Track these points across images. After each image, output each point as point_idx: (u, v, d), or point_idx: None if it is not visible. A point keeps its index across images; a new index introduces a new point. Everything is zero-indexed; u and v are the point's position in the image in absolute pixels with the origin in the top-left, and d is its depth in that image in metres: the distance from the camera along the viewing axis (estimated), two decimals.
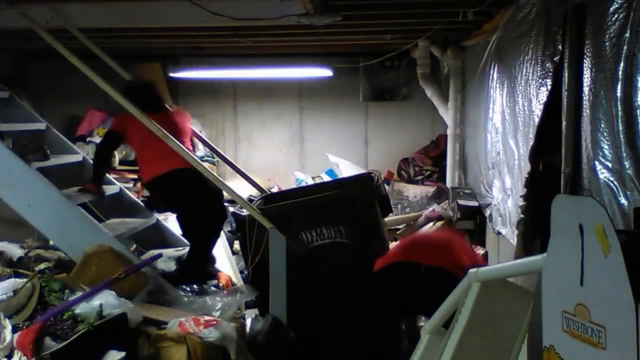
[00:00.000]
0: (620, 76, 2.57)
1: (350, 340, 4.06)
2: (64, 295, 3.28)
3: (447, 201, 6.35)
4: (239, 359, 3.24)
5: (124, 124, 4.36)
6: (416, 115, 7.75)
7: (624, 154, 2.52)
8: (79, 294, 3.24)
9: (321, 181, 7.25)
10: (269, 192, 5.25)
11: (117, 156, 6.84)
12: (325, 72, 7.16)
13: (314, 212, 4.10)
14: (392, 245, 3.97)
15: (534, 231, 3.69)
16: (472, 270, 2.36)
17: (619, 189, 2.58)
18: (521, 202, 3.81)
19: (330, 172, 7.53)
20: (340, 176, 7.17)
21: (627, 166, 2.50)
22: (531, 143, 3.67)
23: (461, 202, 5.84)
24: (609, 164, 2.68)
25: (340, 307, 4.04)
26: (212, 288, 3.89)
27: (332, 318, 4.05)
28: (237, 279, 5.04)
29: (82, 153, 5.03)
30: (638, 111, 2.44)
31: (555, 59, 3.30)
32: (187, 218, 4.48)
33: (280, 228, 3.92)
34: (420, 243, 3.76)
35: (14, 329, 2.94)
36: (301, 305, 3.99)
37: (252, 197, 4.94)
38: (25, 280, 3.26)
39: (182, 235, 4.78)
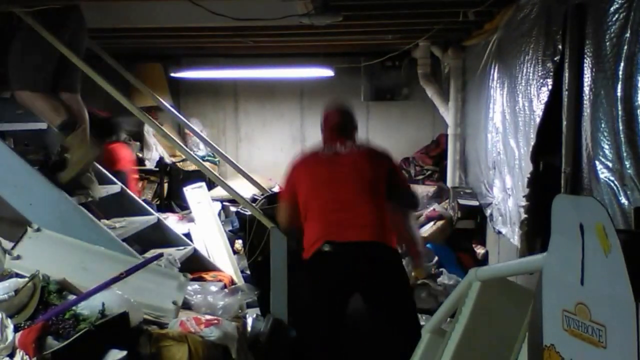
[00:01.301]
0: (620, 76, 2.58)
1: (351, 340, 4.06)
2: (65, 295, 3.29)
3: (447, 200, 6.36)
4: (240, 358, 3.25)
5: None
6: (417, 115, 7.76)
7: (625, 154, 2.53)
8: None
9: None
10: (269, 192, 5.26)
11: None
12: (326, 72, 7.18)
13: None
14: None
15: (536, 231, 3.70)
16: (472, 269, 2.36)
17: (620, 189, 2.59)
18: (524, 202, 3.82)
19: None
20: None
21: (628, 166, 2.51)
22: (532, 143, 3.67)
23: (462, 201, 5.85)
24: (610, 164, 2.69)
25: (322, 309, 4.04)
26: (213, 288, 3.90)
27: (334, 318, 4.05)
28: (238, 279, 5.05)
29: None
30: (638, 111, 2.45)
31: (555, 58, 3.31)
32: None
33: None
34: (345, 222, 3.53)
35: (16, 329, 2.95)
36: (304, 305, 4.00)
37: (255, 197, 4.95)
38: (26, 279, 3.26)
39: None
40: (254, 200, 4.82)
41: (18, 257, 3.46)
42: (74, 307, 3.05)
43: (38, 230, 3.63)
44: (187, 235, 5.51)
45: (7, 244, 4.09)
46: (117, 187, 4.76)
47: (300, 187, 3.70)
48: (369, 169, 3.64)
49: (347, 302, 3.63)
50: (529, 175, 3.72)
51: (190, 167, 7.24)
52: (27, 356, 2.78)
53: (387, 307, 3.58)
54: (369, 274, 3.49)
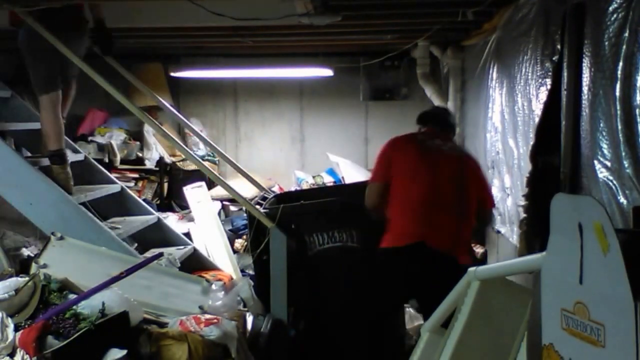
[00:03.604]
0: (619, 76, 2.58)
1: (353, 340, 4.07)
2: (66, 295, 3.30)
3: None
4: (239, 357, 3.25)
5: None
6: (416, 115, 7.74)
7: (623, 153, 2.53)
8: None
9: (323, 181, 7.30)
10: (269, 191, 5.27)
11: (119, 155, 6.86)
12: (325, 72, 7.17)
13: (328, 214, 4.12)
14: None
15: (535, 230, 3.71)
16: (471, 269, 2.37)
17: (618, 188, 2.59)
18: (523, 202, 3.82)
19: (330, 172, 7.55)
20: (340, 175, 7.19)
21: (626, 165, 2.51)
22: (531, 142, 3.68)
23: None
24: (608, 163, 2.69)
25: (345, 309, 4.06)
26: (214, 287, 3.91)
27: (337, 319, 4.07)
28: (238, 278, 5.05)
29: (84, 152, 5.04)
30: (637, 110, 2.45)
31: (554, 58, 3.32)
32: None
33: (294, 227, 3.98)
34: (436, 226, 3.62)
35: (16, 328, 2.96)
36: (307, 305, 4.03)
37: (265, 196, 4.96)
38: (27, 278, 3.27)
39: None
40: (263, 199, 4.82)
41: (44, 266, 3.50)
42: (74, 307, 3.06)
43: (61, 238, 3.67)
44: (187, 234, 5.52)
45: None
46: (117, 186, 4.77)
47: (397, 167, 3.73)
48: (470, 181, 3.74)
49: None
50: (528, 175, 3.73)
51: (190, 166, 7.24)
52: (27, 355, 2.79)
53: None
54: (431, 281, 3.52)
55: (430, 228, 3.60)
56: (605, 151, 2.72)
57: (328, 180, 7.46)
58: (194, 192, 6.19)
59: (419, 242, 3.57)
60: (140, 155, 7.27)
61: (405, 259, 3.62)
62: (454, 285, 3.53)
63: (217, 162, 7.54)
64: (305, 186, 7.18)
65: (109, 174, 4.99)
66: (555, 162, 3.33)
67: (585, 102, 2.97)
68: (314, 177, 7.52)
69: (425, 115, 4.04)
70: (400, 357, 3.88)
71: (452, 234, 3.62)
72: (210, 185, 6.76)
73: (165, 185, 7.51)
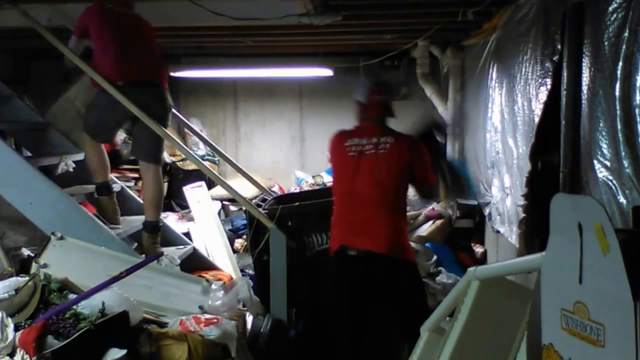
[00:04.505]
0: (618, 75, 2.59)
1: (350, 340, 4.08)
2: (65, 294, 3.30)
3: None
4: (239, 357, 3.25)
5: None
6: (416, 115, 7.74)
7: (623, 153, 2.53)
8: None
9: (323, 181, 7.31)
10: (269, 191, 5.27)
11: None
12: (325, 72, 7.17)
13: (327, 215, 4.13)
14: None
15: (535, 230, 3.71)
16: (471, 268, 2.37)
17: (618, 188, 2.59)
18: (522, 202, 3.82)
19: (330, 172, 7.54)
20: None
21: (626, 165, 2.51)
22: (531, 142, 3.68)
23: (461, 200, 5.86)
24: (608, 163, 2.70)
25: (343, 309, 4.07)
26: (214, 287, 3.91)
27: (334, 318, 4.07)
28: (238, 278, 5.06)
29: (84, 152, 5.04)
30: (636, 110, 2.46)
31: (554, 58, 3.32)
32: None
33: (294, 227, 3.98)
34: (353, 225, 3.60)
35: (16, 328, 2.96)
36: (305, 304, 4.03)
37: (265, 197, 4.96)
38: (27, 278, 3.27)
39: None
40: (263, 200, 4.83)
41: (45, 266, 3.51)
42: (74, 306, 3.06)
43: (61, 238, 3.67)
44: (187, 234, 5.51)
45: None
46: (117, 186, 4.77)
47: (333, 170, 3.82)
48: (394, 169, 3.58)
49: (367, 306, 3.69)
50: (527, 175, 3.73)
51: (190, 166, 7.24)
52: (27, 355, 2.79)
53: (400, 317, 3.66)
54: (381, 285, 3.57)
55: (355, 230, 3.58)
56: (605, 151, 2.72)
57: (328, 180, 7.46)
58: (193, 192, 6.19)
59: (342, 245, 3.59)
60: None
61: (339, 264, 3.65)
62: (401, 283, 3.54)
63: (217, 162, 7.54)
64: (305, 186, 7.18)
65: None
66: (555, 162, 3.33)
67: (585, 102, 2.97)
68: (314, 177, 7.53)
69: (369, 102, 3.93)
70: (400, 357, 3.88)
71: (372, 230, 3.53)
72: (210, 185, 6.76)
73: (165, 185, 7.51)
